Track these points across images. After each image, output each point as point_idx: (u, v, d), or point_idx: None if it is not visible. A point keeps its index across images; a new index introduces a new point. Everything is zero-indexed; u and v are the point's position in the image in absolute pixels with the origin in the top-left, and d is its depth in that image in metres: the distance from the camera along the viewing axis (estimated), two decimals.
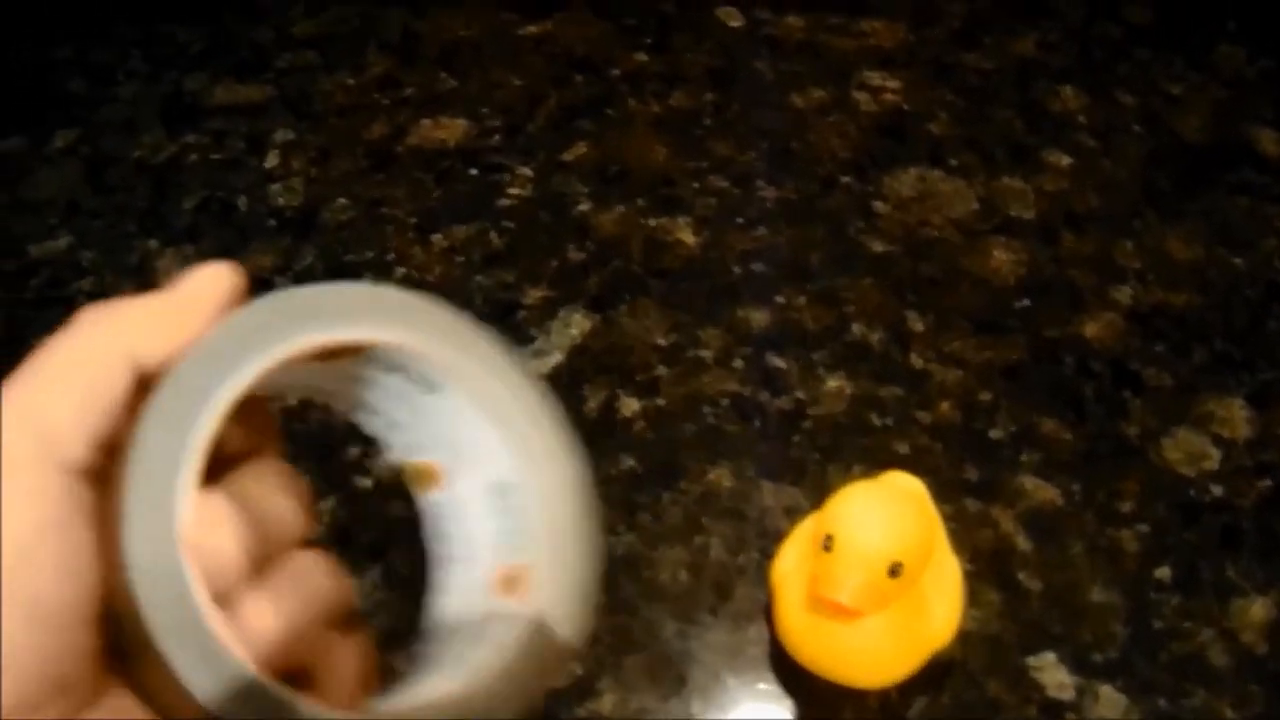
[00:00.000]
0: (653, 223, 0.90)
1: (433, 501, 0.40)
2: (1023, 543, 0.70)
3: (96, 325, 0.31)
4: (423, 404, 0.38)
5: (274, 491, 0.34)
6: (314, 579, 0.34)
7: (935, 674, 0.63)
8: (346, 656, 0.35)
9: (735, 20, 1.11)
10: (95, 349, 0.31)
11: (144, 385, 0.31)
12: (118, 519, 0.29)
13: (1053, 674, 0.65)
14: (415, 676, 0.38)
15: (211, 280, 0.33)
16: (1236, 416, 0.78)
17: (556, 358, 0.81)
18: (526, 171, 0.95)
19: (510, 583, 0.38)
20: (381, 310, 0.35)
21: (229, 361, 0.31)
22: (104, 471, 0.30)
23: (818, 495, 0.69)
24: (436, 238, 0.90)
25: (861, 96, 1.02)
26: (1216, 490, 0.73)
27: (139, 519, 0.29)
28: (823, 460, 0.74)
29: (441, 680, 0.36)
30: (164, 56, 1.09)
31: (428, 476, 0.40)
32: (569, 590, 0.38)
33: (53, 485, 0.29)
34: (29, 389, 0.30)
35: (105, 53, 1.10)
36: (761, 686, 0.65)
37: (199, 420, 0.30)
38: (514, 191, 0.93)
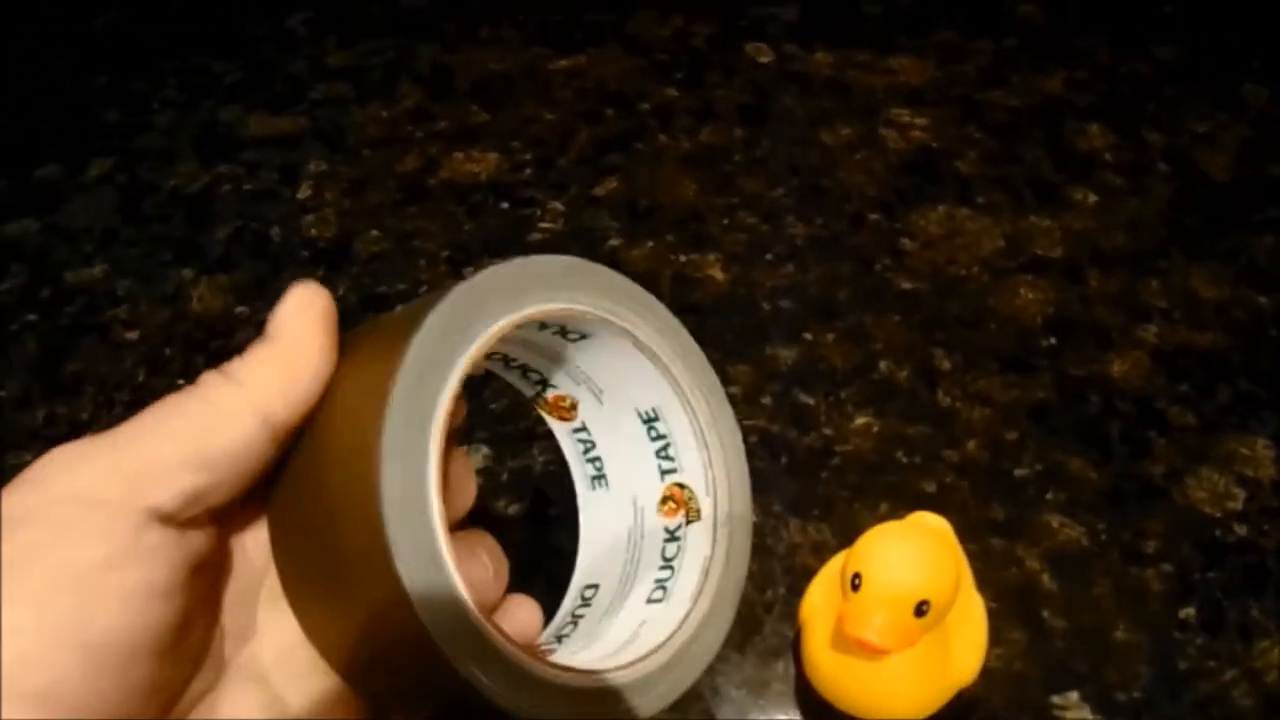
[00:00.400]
0: (682, 258, 0.91)
1: (576, 430, 0.45)
2: (1047, 581, 0.70)
3: (218, 388, 0.33)
4: (567, 351, 0.43)
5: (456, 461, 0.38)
6: (490, 542, 0.38)
7: (960, 712, 0.64)
8: (520, 612, 0.38)
9: (765, 56, 1.12)
10: (220, 407, 0.33)
11: (276, 438, 0.33)
12: (375, 465, 0.31)
13: (1077, 713, 0.65)
14: (592, 605, 0.44)
15: (305, 315, 0.35)
16: (1261, 456, 0.78)
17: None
18: (558, 205, 0.96)
19: (675, 501, 0.43)
20: (569, 279, 0.39)
21: (460, 335, 0.35)
22: (196, 519, 0.32)
23: (845, 532, 0.70)
24: (468, 270, 0.90)
25: (890, 134, 1.03)
26: (1241, 530, 0.74)
27: (395, 461, 0.32)
28: (850, 497, 0.75)
29: (634, 612, 0.41)
30: (199, 87, 1.11)
31: (566, 409, 0.45)
32: (737, 504, 0.43)
33: (129, 526, 0.30)
34: (135, 434, 0.32)
35: (142, 83, 1.12)
36: None
37: (440, 398, 0.33)
38: (545, 225, 0.94)
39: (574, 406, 0.45)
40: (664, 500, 0.44)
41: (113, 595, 0.29)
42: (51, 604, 0.28)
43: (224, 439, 0.32)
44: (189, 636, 0.33)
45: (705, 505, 0.43)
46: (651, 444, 0.44)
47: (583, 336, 0.42)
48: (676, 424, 0.44)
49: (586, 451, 0.46)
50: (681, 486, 0.44)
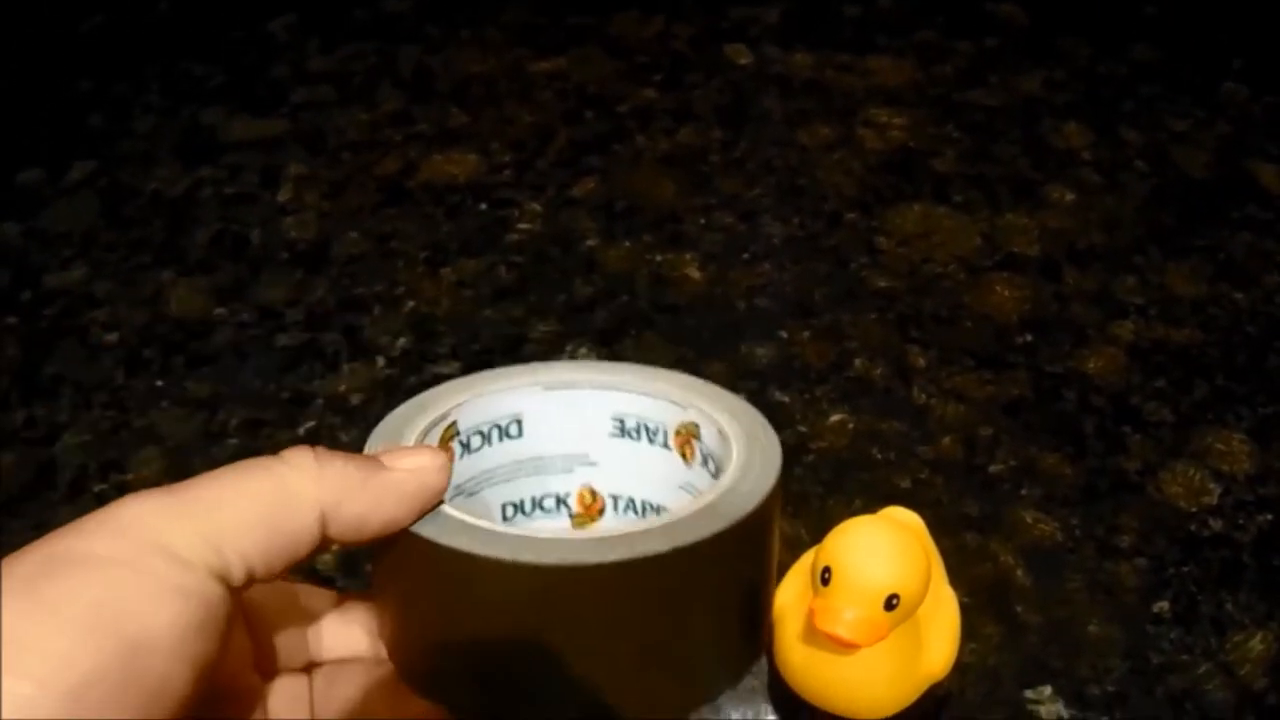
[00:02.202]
0: (659, 258, 0.91)
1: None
2: (1022, 576, 0.71)
3: (305, 471, 0.34)
4: None
5: None
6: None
7: (933, 706, 0.64)
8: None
9: (744, 58, 1.12)
10: (296, 493, 0.34)
11: (328, 537, 0.35)
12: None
13: (1050, 707, 0.65)
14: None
15: (418, 473, 0.37)
16: (1237, 451, 0.78)
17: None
18: (536, 207, 0.96)
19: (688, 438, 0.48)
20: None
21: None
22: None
23: (819, 528, 0.70)
24: (446, 271, 0.91)
25: (868, 134, 1.03)
26: (1216, 524, 0.74)
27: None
28: (824, 494, 0.75)
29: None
30: (181, 91, 1.11)
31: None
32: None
33: (201, 590, 0.31)
34: (220, 493, 0.33)
35: (124, 87, 1.12)
36: (761, 717, 0.65)
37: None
38: (523, 226, 0.94)
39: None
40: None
41: (173, 654, 0.30)
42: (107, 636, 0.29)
43: (292, 522, 0.33)
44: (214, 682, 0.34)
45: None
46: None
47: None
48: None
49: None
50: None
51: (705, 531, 0.37)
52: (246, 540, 0.32)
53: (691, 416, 0.48)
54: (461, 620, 0.37)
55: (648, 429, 0.50)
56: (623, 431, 0.50)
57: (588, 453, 0.51)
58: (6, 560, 0.29)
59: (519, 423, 0.49)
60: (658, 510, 0.51)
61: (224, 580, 0.31)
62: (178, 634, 0.30)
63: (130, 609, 0.29)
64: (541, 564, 0.35)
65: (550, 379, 0.48)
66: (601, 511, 0.52)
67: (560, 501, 0.52)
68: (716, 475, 0.45)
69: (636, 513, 0.51)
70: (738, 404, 0.48)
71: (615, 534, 0.36)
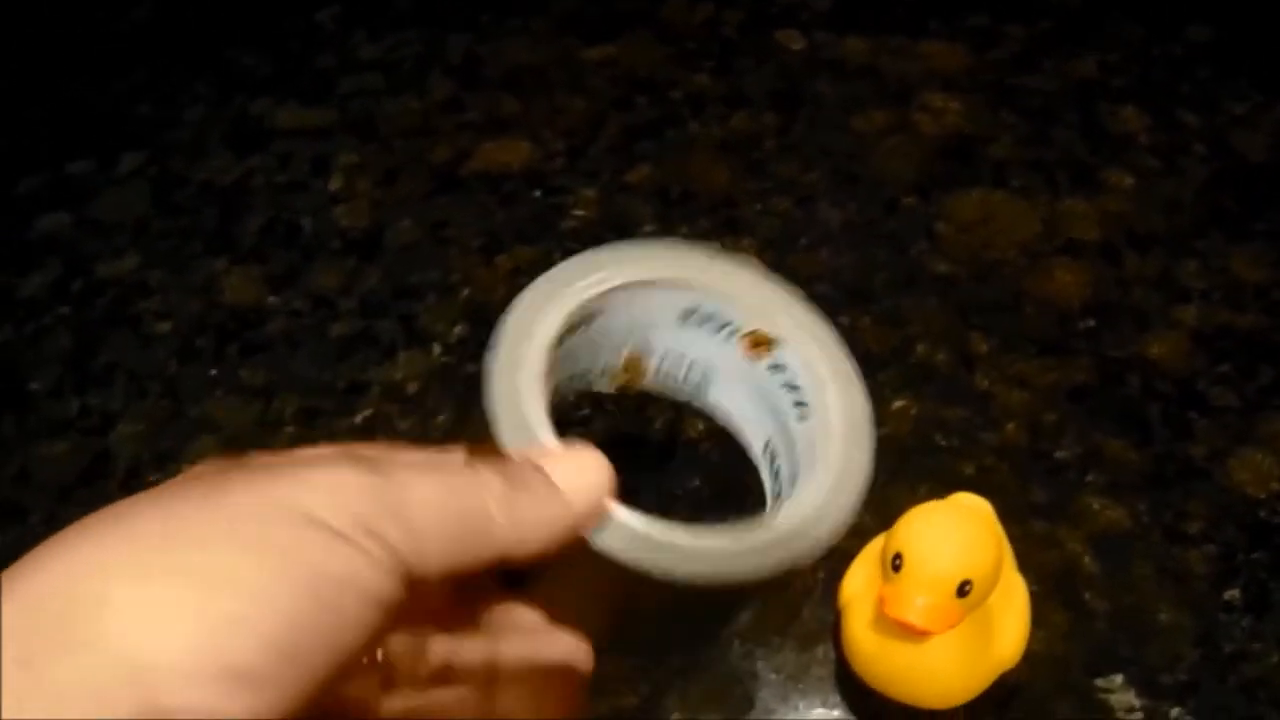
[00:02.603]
0: (716, 244, 0.90)
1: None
2: (1089, 564, 0.70)
3: (494, 491, 0.34)
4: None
5: None
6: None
7: (1003, 695, 0.63)
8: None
9: (796, 43, 1.11)
10: (473, 491, 0.34)
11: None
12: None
13: (1121, 696, 0.64)
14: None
15: (583, 480, 0.37)
16: None
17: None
18: (590, 194, 0.95)
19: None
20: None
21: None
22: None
23: (883, 515, 0.69)
24: (501, 259, 0.90)
25: (923, 118, 1.02)
26: None
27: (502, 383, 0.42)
28: (888, 480, 0.74)
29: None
30: (230, 81, 1.11)
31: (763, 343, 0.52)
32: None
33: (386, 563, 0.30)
34: (406, 481, 0.32)
35: (173, 77, 1.12)
36: (829, 707, 0.65)
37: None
38: (578, 213, 0.94)
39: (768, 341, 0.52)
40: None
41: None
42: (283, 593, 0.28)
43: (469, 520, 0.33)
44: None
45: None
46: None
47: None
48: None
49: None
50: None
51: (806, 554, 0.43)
52: (434, 535, 0.31)
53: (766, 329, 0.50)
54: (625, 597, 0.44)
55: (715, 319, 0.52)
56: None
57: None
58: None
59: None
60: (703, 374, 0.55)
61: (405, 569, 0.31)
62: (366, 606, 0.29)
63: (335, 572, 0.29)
64: (698, 575, 0.39)
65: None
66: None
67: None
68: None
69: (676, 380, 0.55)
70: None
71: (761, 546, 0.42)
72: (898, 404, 0.79)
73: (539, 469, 0.36)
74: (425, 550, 0.31)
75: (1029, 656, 0.62)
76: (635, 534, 0.38)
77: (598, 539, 0.37)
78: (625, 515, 0.38)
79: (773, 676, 0.65)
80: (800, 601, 0.68)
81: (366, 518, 0.30)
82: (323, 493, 0.30)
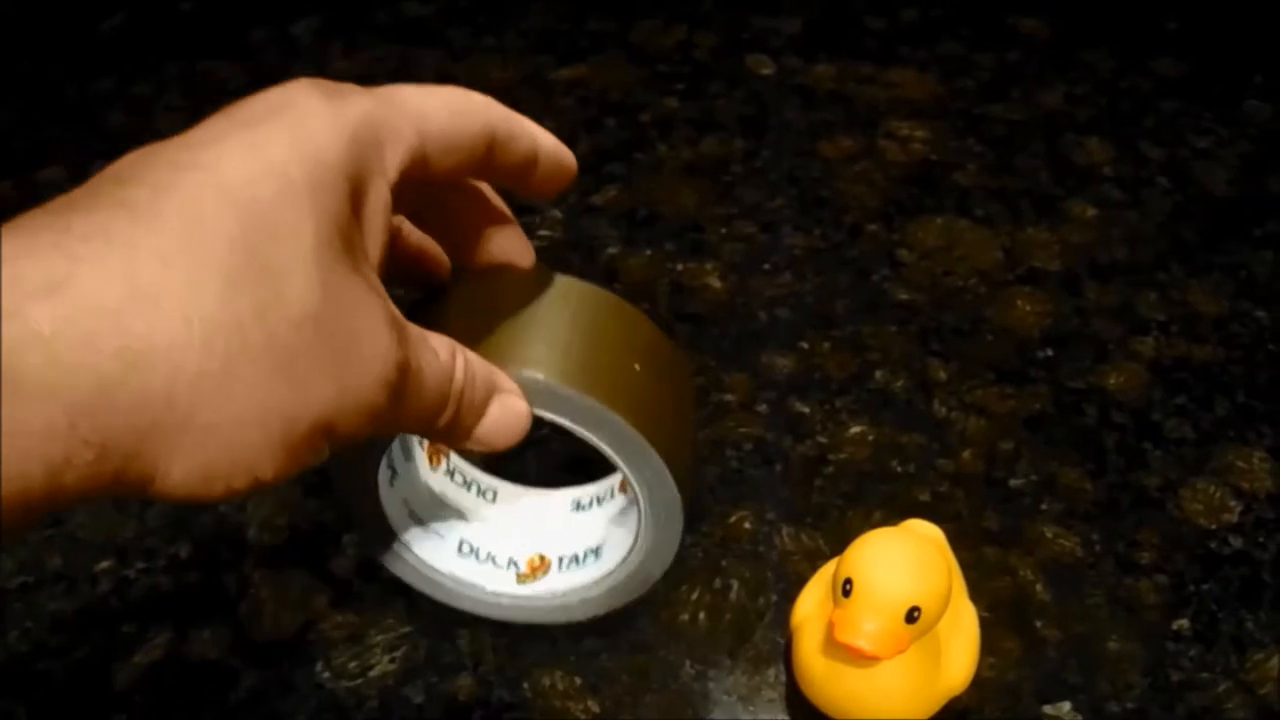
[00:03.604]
0: (680, 267, 0.91)
1: None
2: (1041, 591, 0.70)
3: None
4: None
5: None
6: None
7: None
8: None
9: (766, 68, 1.12)
10: (473, 103, 0.41)
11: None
12: None
13: None
14: None
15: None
16: (1258, 469, 0.78)
17: None
18: (556, 214, 0.96)
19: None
20: None
21: None
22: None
23: (838, 540, 0.69)
24: None
25: (889, 145, 1.03)
26: (1236, 542, 0.74)
27: None
28: (844, 506, 0.74)
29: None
30: (204, 92, 1.11)
31: None
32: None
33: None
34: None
35: (146, 87, 1.12)
36: None
37: None
38: (544, 233, 0.94)
39: None
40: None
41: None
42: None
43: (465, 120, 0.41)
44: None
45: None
46: None
47: None
48: None
49: None
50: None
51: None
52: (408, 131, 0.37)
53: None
54: None
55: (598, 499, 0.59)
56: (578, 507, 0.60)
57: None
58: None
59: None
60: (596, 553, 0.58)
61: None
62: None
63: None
64: None
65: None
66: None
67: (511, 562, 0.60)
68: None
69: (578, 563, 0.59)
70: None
71: None
72: (855, 429, 0.79)
73: None
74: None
75: (979, 683, 0.62)
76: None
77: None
78: None
79: (724, 697, 0.65)
80: (753, 624, 0.69)
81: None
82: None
